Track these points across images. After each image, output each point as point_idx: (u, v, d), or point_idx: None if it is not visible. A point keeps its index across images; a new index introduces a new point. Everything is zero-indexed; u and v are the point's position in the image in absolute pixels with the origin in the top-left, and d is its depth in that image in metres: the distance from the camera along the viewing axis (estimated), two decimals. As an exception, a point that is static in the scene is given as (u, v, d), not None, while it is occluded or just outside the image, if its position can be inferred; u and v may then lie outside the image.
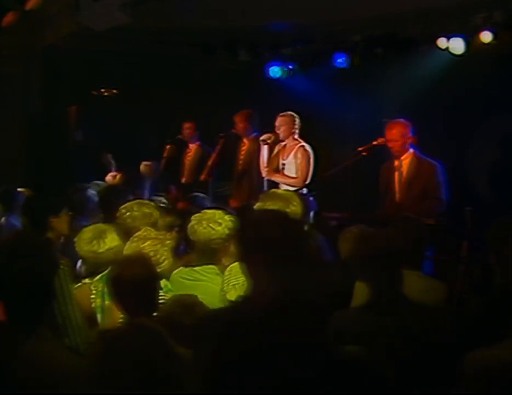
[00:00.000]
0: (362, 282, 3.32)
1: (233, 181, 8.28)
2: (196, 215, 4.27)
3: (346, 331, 3.10)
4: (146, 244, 3.90)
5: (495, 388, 2.37)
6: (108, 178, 7.66)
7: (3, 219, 6.10)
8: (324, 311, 2.69)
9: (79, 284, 3.97)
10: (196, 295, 3.63)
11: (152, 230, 4.11)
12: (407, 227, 4.16)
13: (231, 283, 3.97)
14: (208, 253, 4.15)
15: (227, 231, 4.13)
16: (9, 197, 6.36)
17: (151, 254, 3.87)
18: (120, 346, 2.12)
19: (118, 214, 4.39)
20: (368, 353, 2.72)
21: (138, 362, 2.08)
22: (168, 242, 3.98)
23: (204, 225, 4.12)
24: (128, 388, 2.06)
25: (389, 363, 2.93)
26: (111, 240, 4.11)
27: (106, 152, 8.08)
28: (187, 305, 3.41)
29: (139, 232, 4.04)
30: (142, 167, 8.11)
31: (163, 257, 3.94)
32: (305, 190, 6.91)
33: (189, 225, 4.21)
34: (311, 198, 5.53)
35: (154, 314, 3.36)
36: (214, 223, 4.13)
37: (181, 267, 4.37)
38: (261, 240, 2.55)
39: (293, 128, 7.36)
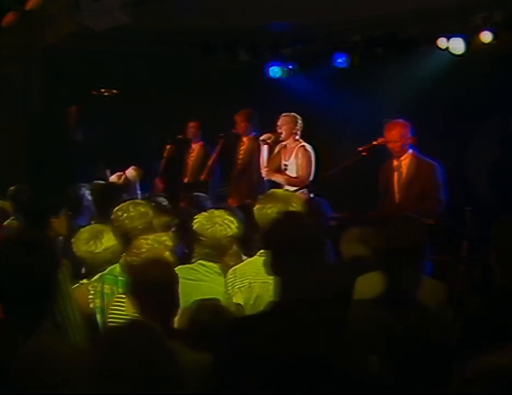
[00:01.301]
0: (381, 274, 3.30)
1: (232, 181, 8.28)
2: (203, 213, 4.30)
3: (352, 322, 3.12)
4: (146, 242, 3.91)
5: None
6: (113, 178, 7.62)
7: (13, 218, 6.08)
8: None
9: (77, 285, 3.97)
10: (218, 299, 3.65)
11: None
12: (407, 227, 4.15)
13: (236, 286, 3.98)
14: (217, 250, 4.18)
15: (237, 230, 4.19)
16: (20, 196, 6.37)
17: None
18: (117, 345, 2.12)
19: (113, 217, 4.37)
20: (372, 345, 2.74)
21: (136, 361, 2.07)
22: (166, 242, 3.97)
23: (220, 222, 4.17)
24: (125, 387, 2.05)
25: (390, 358, 2.94)
26: (108, 240, 4.12)
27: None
28: (213, 310, 3.41)
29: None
30: (130, 171, 7.89)
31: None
32: (305, 190, 6.92)
33: (198, 224, 4.21)
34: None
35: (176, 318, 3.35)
36: (228, 221, 4.18)
37: (180, 266, 4.37)
38: (291, 242, 2.54)
39: (295, 128, 7.36)
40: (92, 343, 2.26)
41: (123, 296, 3.64)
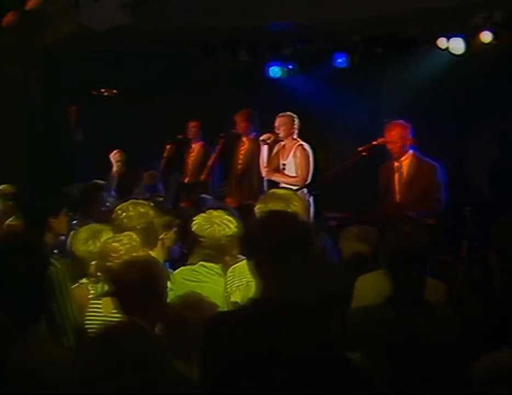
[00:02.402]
0: (387, 277, 3.31)
1: (232, 181, 8.28)
2: (202, 214, 4.30)
3: (361, 324, 3.13)
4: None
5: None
6: (146, 175, 7.68)
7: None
8: (328, 311, 2.71)
9: (76, 284, 3.96)
10: (200, 293, 3.65)
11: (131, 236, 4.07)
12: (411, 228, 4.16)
13: (235, 285, 3.99)
14: (217, 251, 4.18)
15: (236, 230, 4.19)
16: (20, 196, 6.36)
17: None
18: (109, 345, 2.10)
19: (113, 216, 4.39)
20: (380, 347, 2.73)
21: (128, 362, 2.06)
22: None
23: (218, 222, 4.17)
24: (117, 387, 2.04)
25: (397, 359, 2.94)
26: None
27: (113, 149, 7.98)
28: (194, 303, 3.42)
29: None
30: (147, 175, 7.94)
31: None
32: (305, 190, 6.92)
33: (197, 224, 4.22)
34: (310, 197, 5.54)
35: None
36: (227, 221, 4.18)
37: (182, 268, 4.37)
38: (274, 241, 2.55)
39: (292, 128, 7.38)
40: (83, 344, 2.24)
41: (99, 299, 3.65)
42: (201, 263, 4.22)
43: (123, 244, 3.84)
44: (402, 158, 6.48)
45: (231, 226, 4.21)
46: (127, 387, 2.03)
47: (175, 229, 4.51)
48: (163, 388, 2.09)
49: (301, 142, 7.38)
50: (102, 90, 9.97)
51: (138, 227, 4.22)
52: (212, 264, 4.19)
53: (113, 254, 3.80)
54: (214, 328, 2.55)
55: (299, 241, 2.58)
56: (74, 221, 4.91)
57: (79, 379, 2.10)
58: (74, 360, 2.56)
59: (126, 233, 4.01)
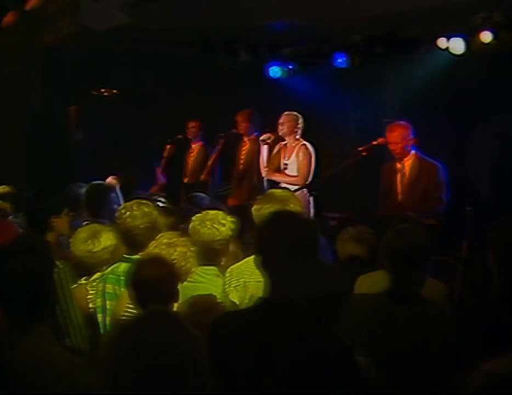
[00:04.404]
0: (386, 272, 3.33)
1: (233, 181, 8.28)
2: (198, 215, 4.28)
3: (360, 313, 3.14)
4: (176, 252, 3.87)
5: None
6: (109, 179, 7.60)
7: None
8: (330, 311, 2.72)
9: (75, 285, 3.96)
10: (215, 296, 3.64)
11: (176, 235, 4.06)
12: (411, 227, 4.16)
13: (232, 285, 3.98)
14: (210, 254, 4.16)
15: (230, 232, 4.17)
16: (20, 196, 6.36)
17: (182, 263, 3.81)
18: (137, 334, 2.07)
19: (117, 214, 4.39)
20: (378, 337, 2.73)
21: (158, 350, 2.02)
22: (193, 248, 3.94)
23: (208, 226, 4.14)
24: (148, 377, 2.01)
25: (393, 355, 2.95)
26: (106, 239, 4.12)
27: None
28: (207, 305, 3.41)
29: (164, 239, 3.99)
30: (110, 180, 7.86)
31: (188, 265, 3.87)
32: (305, 190, 6.92)
33: (191, 225, 4.21)
34: (310, 197, 5.54)
35: None
36: (217, 224, 4.16)
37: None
38: (282, 241, 2.55)
39: (296, 127, 7.38)
40: (110, 333, 2.20)
41: None
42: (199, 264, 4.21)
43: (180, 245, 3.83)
44: (405, 159, 6.47)
45: (222, 229, 4.15)
46: (157, 377, 2.00)
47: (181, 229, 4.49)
48: (195, 380, 2.05)
49: (304, 142, 7.38)
50: (102, 90, 9.98)
51: (141, 226, 4.22)
52: (209, 266, 4.17)
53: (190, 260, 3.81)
54: (221, 328, 2.56)
55: (307, 241, 2.58)
56: (85, 222, 4.90)
57: (106, 369, 2.07)
58: (76, 359, 2.56)
59: (171, 237, 3.99)
